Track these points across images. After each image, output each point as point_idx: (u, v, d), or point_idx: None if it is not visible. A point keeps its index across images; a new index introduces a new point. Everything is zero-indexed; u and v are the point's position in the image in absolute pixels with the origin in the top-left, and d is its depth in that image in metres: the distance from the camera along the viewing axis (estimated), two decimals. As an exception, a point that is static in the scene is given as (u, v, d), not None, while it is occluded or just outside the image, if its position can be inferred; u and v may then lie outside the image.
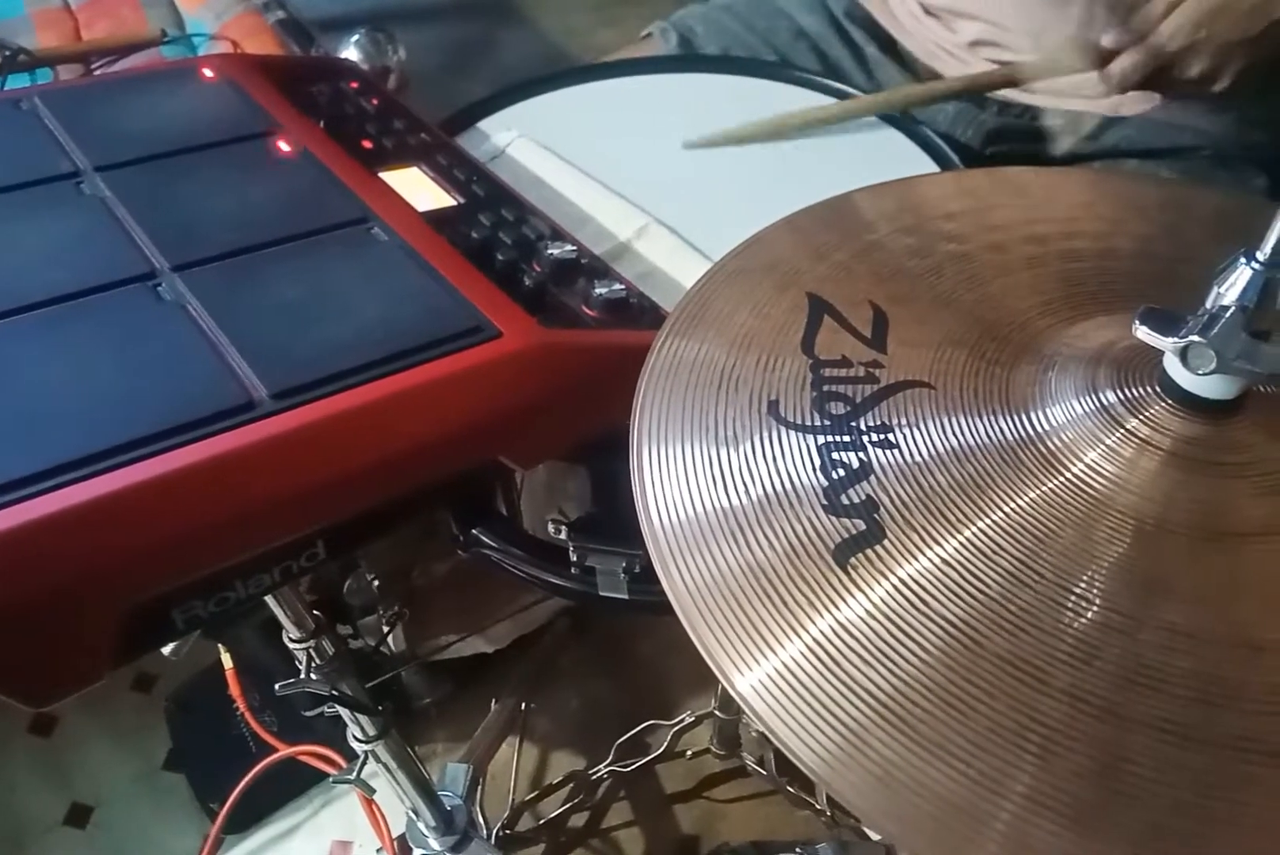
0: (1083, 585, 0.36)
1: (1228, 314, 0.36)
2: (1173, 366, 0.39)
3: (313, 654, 0.61)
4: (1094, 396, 0.40)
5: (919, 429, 0.41)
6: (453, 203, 0.64)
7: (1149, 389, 0.40)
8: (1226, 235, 0.38)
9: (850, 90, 0.83)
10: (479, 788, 0.84)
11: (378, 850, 0.81)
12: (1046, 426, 0.40)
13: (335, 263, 0.54)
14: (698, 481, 0.40)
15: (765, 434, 0.41)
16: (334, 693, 0.63)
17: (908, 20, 0.94)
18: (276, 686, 0.62)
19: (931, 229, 0.51)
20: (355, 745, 0.69)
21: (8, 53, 0.85)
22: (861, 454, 0.40)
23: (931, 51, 0.92)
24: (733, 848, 0.90)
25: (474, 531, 0.56)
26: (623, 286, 0.58)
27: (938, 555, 0.37)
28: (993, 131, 0.89)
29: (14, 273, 0.51)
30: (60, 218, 0.55)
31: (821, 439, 0.41)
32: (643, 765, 0.96)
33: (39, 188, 0.57)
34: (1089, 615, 0.35)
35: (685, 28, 1.00)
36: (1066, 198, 0.54)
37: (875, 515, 0.38)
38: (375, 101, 0.74)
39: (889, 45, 0.95)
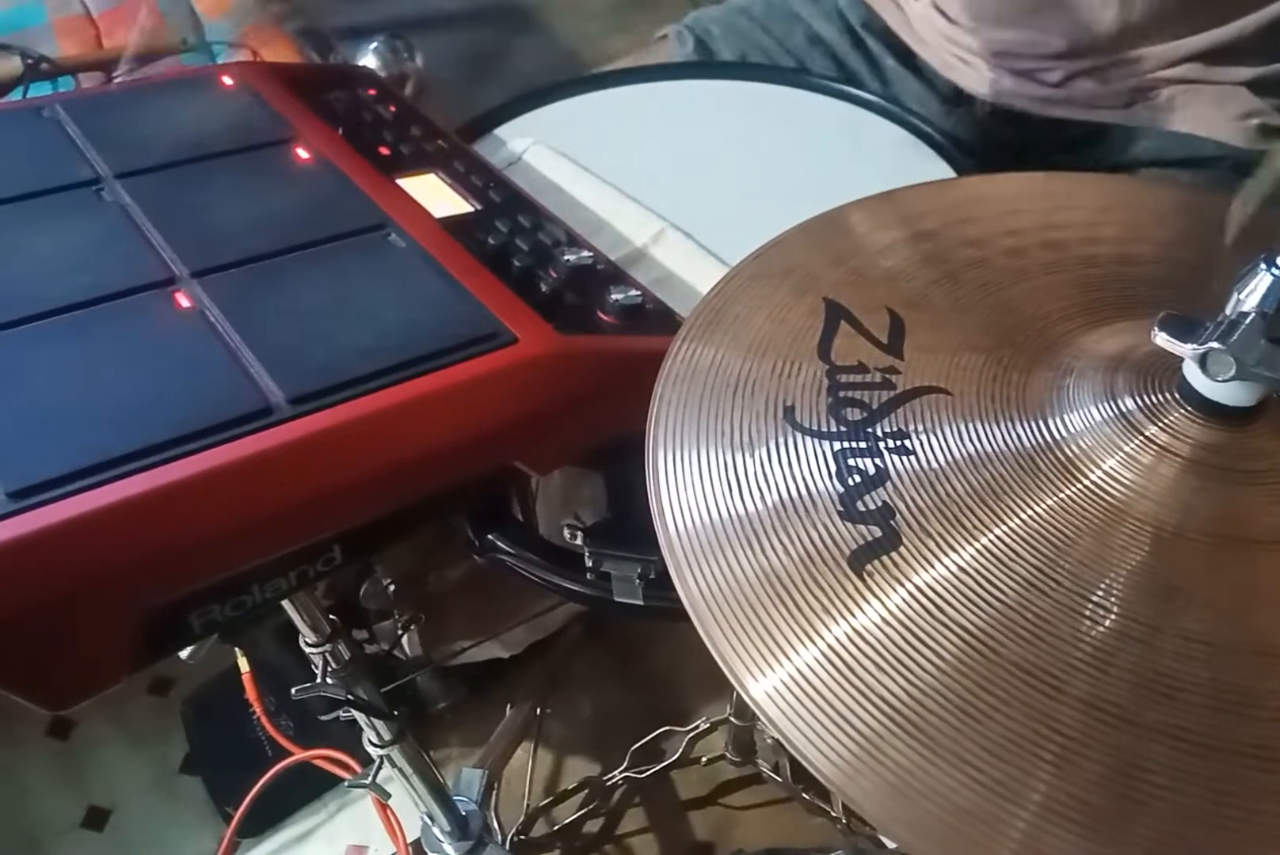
0: (1100, 593, 0.36)
1: (1248, 320, 0.36)
2: (1192, 373, 0.38)
3: (328, 658, 0.61)
4: (1112, 403, 0.40)
5: (936, 435, 0.40)
6: (470, 209, 0.64)
7: (1168, 396, 0.40)
8: (1247, 241, 0.38)
9: (867, 96, 0.83)
10: (494, 793, 0.84)
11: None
12: (1064, 433, 0.40)
13: (353, 269, 0.55)
14: (713, 487, 0.40)
15: (781, 440, 0.41)
16: (350, 697, 0.63)
17: (926, 32, 0.93)
18: (293, 690, 0.62)
19: (948, 234, 0.51)
20: (370, 750, 0.69)
21: (30, 61, 0.86)
22: (878, 460, 0.40)
23: (949, 63, 0.91)
24: (748, 855, 0.90)
25: (489, 537, 0.56)
26: (639, 292, 0.58)
27: (954, 562, 0.37)
28: (1015, 142, 0.89)
29: (35, 279, 0.52)
30: (81, 224, 0.56)
31: (837, 445, 0.41)
32: (658, 771, 0.96)
33: (60, 195, 0.58)
34: (1106, 623, 0.35)
35: (702, 30, 1.00)
36: (1085, 203, 0.54)
37: (891, 522, 0.38)
38: (393, 108, 0.74)
39: (906, 57, 0.95)
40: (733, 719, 0.91)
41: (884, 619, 0.35)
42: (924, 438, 0.41)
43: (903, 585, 0.36)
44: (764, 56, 0.97)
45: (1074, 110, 0.87)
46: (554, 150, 0.77)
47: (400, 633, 0.83)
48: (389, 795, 0.72)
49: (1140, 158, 0.86)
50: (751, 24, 0.99)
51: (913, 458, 0.40)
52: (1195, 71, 0.83)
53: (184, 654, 0.53)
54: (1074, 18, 0.81)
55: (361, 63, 0.88)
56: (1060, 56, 0.84)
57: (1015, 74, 0.87)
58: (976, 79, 0.90)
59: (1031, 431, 0.40)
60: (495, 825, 0.83)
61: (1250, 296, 0.36)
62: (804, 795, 0.92)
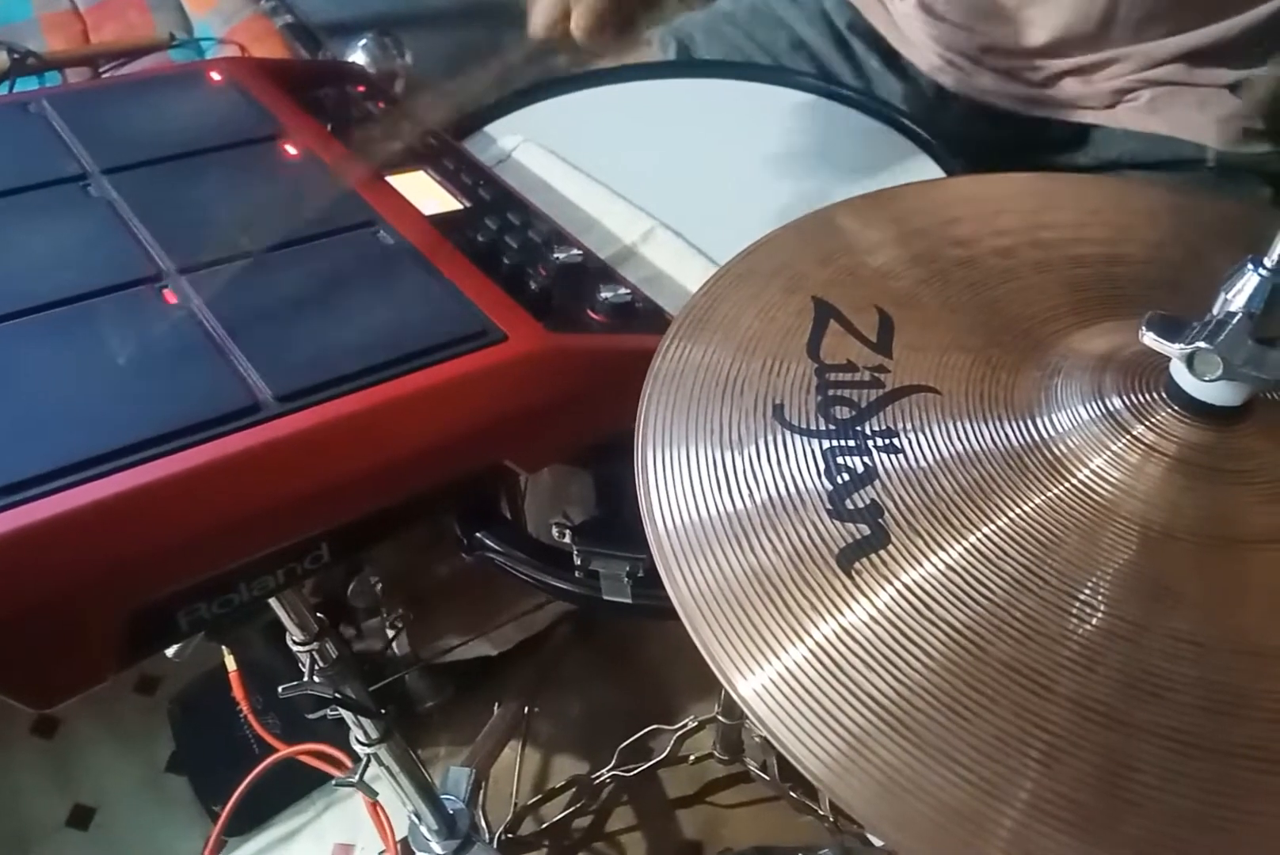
0: (1088, 591, 0.36)
1: (1235, 320, 0.36)
2: (1179, 373, 0.38)
3: (316, 657, 0.61)
4: (1100, 402, 0.40)
5: (924, 434, 0.41)
6: (459, 206, 0.64)
7: (1155, 395, 0.40)
8: (1234, 242, 0.38)
9: (857, 96, 0.83)
10: (481, 791, 0.84)
11: (380, 853, 0.81)
12: (1052, 432, 0.40)
13: (341, 266, 0.54)
14: (702, 485, 0.40)
15: (770, 438, 0.41)
16: (337, 695, 0.63)
17: (911, 31, 0.93)
18: (280, 689, 0.62)
19: (937, 234, 0.51)
20: (358, 748, 0.69)
21: (16, 56, 0.86)
22: (866, 458, 0.40)
23: (934, 62, 0.92)
24: (735, 853, 0.90)
25: (478, 535, 0.56)
26: (628, 290, 0.58)
27: (942, 560, 0.37)
28: (997, 142, 0.89)
29: (21, 274, 0.52)
30: (67, 220, 0.55)
31: (826, 443, 0.41)
32: (645, 770, 0.96)
33: (46, 190, 0.58)
34: (1094, 622, 0.35)
35: (685, 35, 1.00)
36: (1074, 204, 0.54)
37: (880, 520, 0.38)
38: (382, 105, 0.74)
39: (891, 58, 0.95)
40: (720, 717, 0.91)
41: (872, 617, 0.35)
42: (912, 436, 0.41)
43: (891, 583, 0.36)
44: (746, 61, 0.97)
45: (1057, 110, 0.88)
46: (543, 148, 0.77)
47: (389, 631, 0.83)
48: (376, 794, 0.72)
49: (1122, 159, 0.86)
50: (735, 29, 0.99)
51: (901, 456, 0.40)
52: (1178, 73, 0.83)
53: (170, 652, 0.52)
54: (1062, 13, 0.82)
55: (350, 59, 0.87)
56: (1045, 54, 0.85)
57: (999, 73, 0.88)
58: (960, 78, 0.90)
59: (1019, 430, 0.40)
60: (483, 824, 0.83)
61: (1237, 296, 0.36)
62: (791, 793, 0.92)
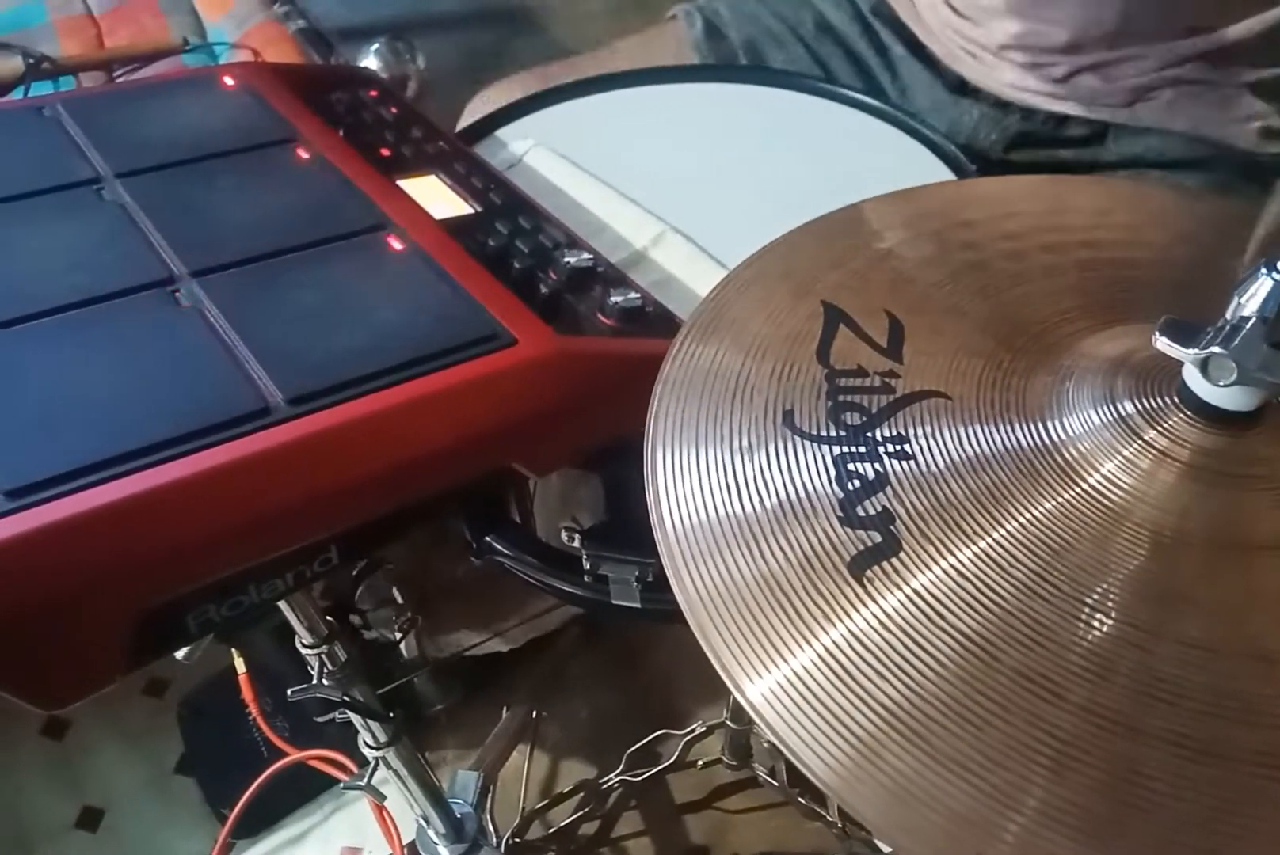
0: (1098, 597, 0.36)
1: (1248, 325, 0.36)
2: (1192, 377, 0.38)
3: (325, 660, 0.61)
4: (1111, 407, 0.40)
5: (935, 439, 0.40)
6: (470, 211, 0.64)
7: (1167, 400, 0.39)
8: (1247, 245, 0.38)
9: (867, 100, 0.83)
10: (489, 795, 0.84)
11: (387, 857, 0.81)
12: (1063, 437, 0.40)
13: (352, 269, 0.54)
14: (712, 490, 0.40)
15: (780, 444, 0.41)
16: (346, 698, 0.63)
17: (934, 23, 0.93)
18: (289, 692, 0.62)
19: (947, 237, 0.51)
20: (366, 752, 0.69)
21: (31, 60, 0.86)
22: (877, 465, 0.40)
23: (956, 55, 0.91)
24: (743, 859, 0.90)
25: (487, 538, 0.56)
26: (638, 295, 0.58)
27: (952, 566, 0.36)
28: (1016, 137, 0.89)
29: (34, 278, 0.52)
30: (81, 223, 0.56)
31: (837, 449, 0.41)
32: (653, 775, 0.96)
33: (60, 193, 0.58)
34: (1104, 628, 0.35)
35: (711, 11, 1.00)
36: (1085, 206, 0.54)
37: (891, 527, 0.38)
38: (394, 110, 0.74)
39: (915, 45, 0.95)
40: (729, 722, 0.91)
41: (881, 623, 0.35)
42: (923, 442, 0.40)
43: (900, 589, 0.36)
44: (773, 41, 0.97)
45: (1076, 107, 0.87)
46: (554, 152, 0.78)
47: (398, 634, 0.83)
48: (384, 797, 0.72)
49: (1141, 157, 0.86)
50: (761, 8, 0.99)
51: (912, 462, 0.40)
52: (1198, 72, 0.83)
53: (180, 654, 0.53)
54: (1079, 11, 0.82)
55: (363, 64, 0.88)
56: (1064, 50, 0.84)
57: (1020, 67, 0.88)
58: (982, 71, 0.90)
59: (1030, 435, 0.40)
60: (490, 827, 0.82)
61: (1251, 301, 0.36)
62: (800, 799, 0.92)
